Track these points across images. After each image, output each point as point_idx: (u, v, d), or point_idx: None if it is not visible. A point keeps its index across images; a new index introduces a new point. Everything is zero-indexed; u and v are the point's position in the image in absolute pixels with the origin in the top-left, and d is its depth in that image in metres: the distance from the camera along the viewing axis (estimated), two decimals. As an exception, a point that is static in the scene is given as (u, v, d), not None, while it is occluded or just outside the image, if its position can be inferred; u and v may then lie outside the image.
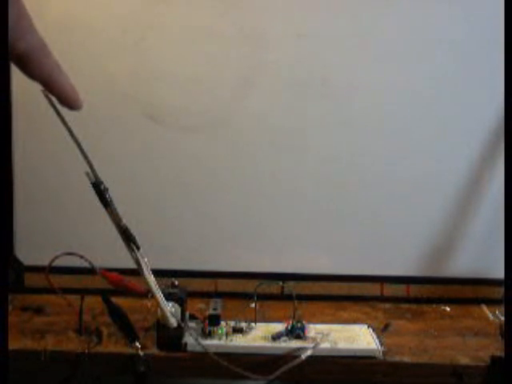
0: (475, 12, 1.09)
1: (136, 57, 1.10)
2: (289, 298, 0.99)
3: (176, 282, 0.95)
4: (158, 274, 0.90)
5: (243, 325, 0.97)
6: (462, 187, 1.15)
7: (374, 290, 1.17)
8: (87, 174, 0.82)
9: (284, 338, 0.95)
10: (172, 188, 1.15)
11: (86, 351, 0.93)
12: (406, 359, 0.94)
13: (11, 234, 1.15)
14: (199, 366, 0.93)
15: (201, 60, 1.10)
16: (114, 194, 0.85)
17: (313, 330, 0.97)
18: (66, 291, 0.99)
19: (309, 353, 0.91)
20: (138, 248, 0.86)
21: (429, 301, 1.16)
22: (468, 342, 1.00)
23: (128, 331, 0.95)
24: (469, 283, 1.17)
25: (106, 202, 0.83)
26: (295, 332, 0.96)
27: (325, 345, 0.94)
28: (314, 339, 0.95)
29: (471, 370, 0.93)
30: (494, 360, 0.93)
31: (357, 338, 0.97)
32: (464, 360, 0.94)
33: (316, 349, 0.92)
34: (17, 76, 1.17)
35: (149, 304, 1.03)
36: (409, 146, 1.13)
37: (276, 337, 0.95)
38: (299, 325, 0.96)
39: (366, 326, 1.00)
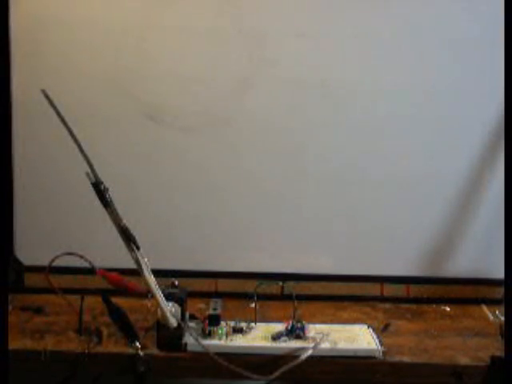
0: (475, 12, 1.09)
1: (136, 57, 1.10)
2: (289, 298, 0.99)
3: (176, 282, 0.95)
4: (158, 274, 0.90)
5: (243, 325, 0.97)
6: (462, 187, 1.15)
7: (374, 290, 1.17)
8: (87, 174, 0.82)
9: (284, 338, 0.95)
10: (172, 188, 1.15)
11: (86, 351, 0.93)
12: (406, 359, 0.94)
13: (11, 234, 1.15)
14: (199, 366, 0.93)
15: (201, 60, 1.10)
16: (113, 194, 0.85)
17: (313, 330, 0.97)
18: (65, 291, 0.99)
19: (309, 353, 0.91)
20: (138, 248, 0.86)
21: (429, 301, 1.16)
22: (468, 342, 0.99)
23: (128, 331, 0.95)
24: (469, 283, 1.17)
25: (106, 202, 0.84)
26: (295, 332, 0.96)
27: (325, 345, 0.94)
28: (314, 339, 0.95)
29: (471, 369, 0.93)
30: (494, 360, 0.93)
31: (357, 338, 0.97)
32: (464, 360, 0.94)
33: (316, 349, 0.92)
34: (17, 77, 1.18)
35: (149, 304, 1.03)
36: (409, 147, 1.13)
37: (276, 337, 0.95)
38: (299, 325, 0.96)
39: (365, 326, 1.00)
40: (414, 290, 1.17)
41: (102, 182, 0.84)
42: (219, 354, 0.90)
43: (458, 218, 1.16)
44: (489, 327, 1.06)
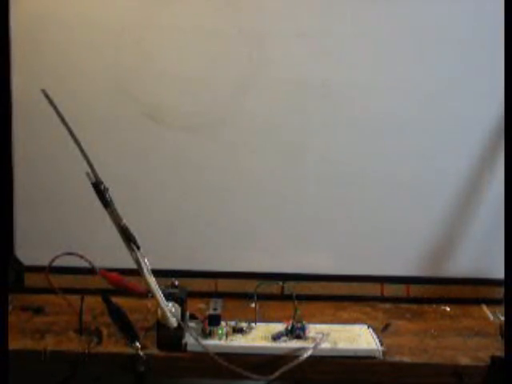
0: (476, 12, 1.09)
1: (136, 56, 1.10)
2: (289, 297, 0.99)
3: (176, 282, 0.95)
4: (158, 273, 0.90)
5: (243, 325, 0.97)
6: (462, 188, 1.15)
7: (374, 290, 1.17)
8: (87, 174, 0.82)
9: (284, 338, 0.95)
10: (172, 187, 1.15)
11: (86, 351, 0.93)
12: (406, 359, 0.94)
13: (11, 234, 1.14)
14: (199, 366, 0.93)
15: (201, 60, 1.10)
16: (113, 193, 0.85)
17: (313, 330, 0.97)
18: (66, 291, 0.99)
19: (309, 353, 0.91)
20: (138, 248, 0.86)
21: (429, 301, 1.16)
22: (468, 342, 0.99)
23: (128, 331, 0.95)
24: (469, 283, 1.17)
25: (106, 202, 0.84)
26: (295, 332, 0.96)
27: (325, 345, 0.94)
28: (314, 339, 0.95)
29: (471, 370, 0.93)
30: (494, 360, 0.93)
31: (357, 338, 0.97)
32: (464, 360, 0.94)
33: (316, 349, 0.92)
34: (17, 77, 1.17)
35: (149, 304, 1.04)
36: (409, 147, 1.13)
37: (276, 337, 0.95)
38: (299, 325, 0.96)
39: (365, 326, 1.00)
40: (414, 290, 1.17)
41: (102, 182, 0.84)
42: (219, 354, 0.90)
43: (457, 218, 1.15)
44: (489, 327, 1.06)
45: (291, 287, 1.05)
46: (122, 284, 0.98)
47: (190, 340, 0.94)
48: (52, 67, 1.10)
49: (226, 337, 0.95)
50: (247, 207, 1.15)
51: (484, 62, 1.10)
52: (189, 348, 0.93)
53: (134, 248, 0.86)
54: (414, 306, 1.15)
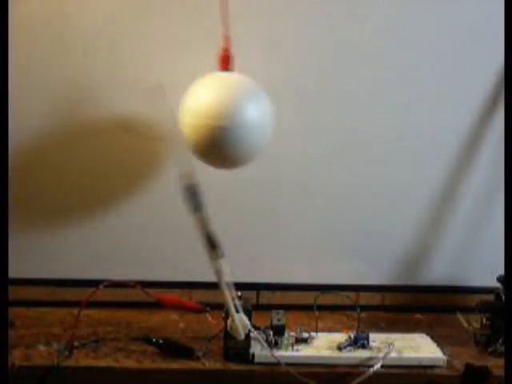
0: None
1: (107, 64, 1.09)
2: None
3: (239, 293, 0.94)
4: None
5: (305, 335, 0.97)
6: (436, 198, 1.15)
7: (349, 299, 1.16)
8: (180, 176, 0.81)
9: (349, 348, 0.95)
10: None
11: (56, 364, 0.91)
12: (380, 368, 0.93)
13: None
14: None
15: (173, 68, 1.09)
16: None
17: (373, 339, 0.96)
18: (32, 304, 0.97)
19: (380, 363, 0.91)
20: (222, 255, 0.85)
21: (404, 309, 1.16)
22: (442, 350, 0.99)
23: (181, 350, 0.95)
24: (443, 291, 1.17)
25: (199, 206, 0.82)
26: (360, 342, 0.95)
27: (393, 354, 0.93)
28: (379, 349, 0.94)
29: (445, 378, 0.93)
30: (468, 368, 0.93)
31: (419, 346, 0.97)
32: (438, 368, 0.94)
33: (386, 358, 0.92)
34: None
35: (209, 317, 1.04)
36: (382, 158, 1.13)
37: (342, 347, 0.95)
38: (363, 334, 0.96)
39: (424, 335, 1.01)
40: (390, 299, 1.17)
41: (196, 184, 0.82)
42: (288, 364, 0.90)
43: (432, 227, 1.16)
44: (463, 335, 1.06)
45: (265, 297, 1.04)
46: (180, 304, 1.02)
47: (257, 350, 0.93)
48: (21, 74, 1.08)
49: (292, 347, 0.95)
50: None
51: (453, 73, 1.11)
52: (256, 359, 0.93)
53: (217, 256, 0.85)
54: (389, 315, 1.14)
